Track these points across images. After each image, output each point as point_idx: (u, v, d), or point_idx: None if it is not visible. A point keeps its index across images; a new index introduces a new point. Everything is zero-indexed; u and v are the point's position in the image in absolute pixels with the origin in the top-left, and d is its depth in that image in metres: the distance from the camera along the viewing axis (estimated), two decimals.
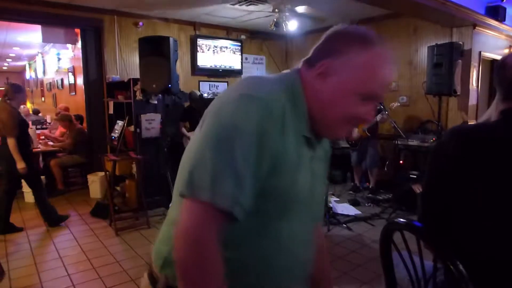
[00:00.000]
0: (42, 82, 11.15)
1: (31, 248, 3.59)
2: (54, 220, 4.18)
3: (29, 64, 12.79)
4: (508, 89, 1.11)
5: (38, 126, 8.04)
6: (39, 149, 5.73)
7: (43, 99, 11.51)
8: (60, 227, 4.18)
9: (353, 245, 3.57)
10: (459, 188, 1.04)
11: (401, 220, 1.08)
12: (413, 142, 5.12)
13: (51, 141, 5.99)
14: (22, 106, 13.34)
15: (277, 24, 4.85)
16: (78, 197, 5.10)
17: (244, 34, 6.92)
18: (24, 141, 3.86)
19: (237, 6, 5.23)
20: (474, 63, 5.14)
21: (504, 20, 5.18)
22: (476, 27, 5.01)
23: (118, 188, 5.07)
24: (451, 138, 1.11)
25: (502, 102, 1.13)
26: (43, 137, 6.17)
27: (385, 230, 1.13)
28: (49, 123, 7.96)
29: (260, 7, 5.25)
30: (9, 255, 3.40)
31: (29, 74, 13.43)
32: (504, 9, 5.09)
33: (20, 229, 4.02)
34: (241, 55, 6.82)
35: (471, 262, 0.95)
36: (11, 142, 3.66)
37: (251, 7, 5.28)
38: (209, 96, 5.96)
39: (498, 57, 5.72)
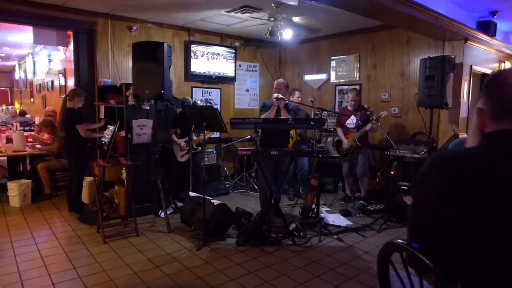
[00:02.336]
0: (31, 83, 10.96)
1: (15, 255, 3.48)
2: (75, 207, 4.72)
3: (19, 64, 12.59)
4: (500, 108, 1.04)
5: (26, 128, 7.90)
6: (25, 152, 5.61)
7: (32, 100, 11.32)
8: (46, 233, 4.08)
9: (345, 257, 3.54)
10: (445, 219, 1.01)
11: (400, 241, 1.06)
12: (404, 153, 5.15)
13: (39, 143, 5.87)
14: (10, 107, 13.16)
15: (271, 32, 4.85)
16: (65, 202, 4.98)
17: (238, 41, 6.92)
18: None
19: (232, 13, 5.23)
20: (465, 76, 5.21)
21: (495, 35, 5.28)
22: (468, 41, 5.09)
23: (107, 194, 4.98)
24: (432, 168, 1.08)
25: (490, 122, 1.06)
26: (30, 139, 6.04)
27: (383, 250, 1.10)
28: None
29: (255, 15, 5.26)
30: None
31: (18, 75, 13.21)
32: (495, 24, 5.18)
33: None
34: (235, 62, 6.81)
35: None
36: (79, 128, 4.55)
37: (246, 15, 5.29)
38: (202, 104, 5.92)
39: (488, 71, 5.82)
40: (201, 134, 4.53)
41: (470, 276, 0.98)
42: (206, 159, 5.40)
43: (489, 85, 1.09)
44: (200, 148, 5.05)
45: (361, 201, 5.20)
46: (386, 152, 5.10)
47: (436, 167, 1.08)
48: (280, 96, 4.31)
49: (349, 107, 5.38)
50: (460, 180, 1.01)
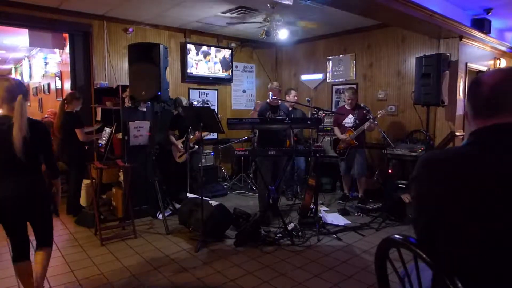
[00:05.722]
0: (28, 86, 10.93)
1: None
2: (75, 209, 4.71)
3: (15, 68, 12.54)
4: (482, 106, 1.09)
5: None
6: None
7: (28, 103, 11.28)
8: None
9: (344, 256, 3.54)
10: (441, 218, 1.02)
11: (397, 236, 1.06)
12: (402, 151, 5.16)
13: None
14: None
15: (267, 33, 4.86)
16: (62, 205, 4.95)
17: (234, 42, 6.92)
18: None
19: (228, 14, 5.23)
20: (461, 74, 5.22)
21: (489, 32, 5.30)
22: (463, 39, 5.11)
23: (104, 196, 4.96)
24: (423, 169, 1.11)
25: (474, 120, 1.11)
26: None
27: (380, 247, 1.10)
28: None
29: (251, 16, 5.26)
30: None
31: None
32: (489, 21, 5.20)
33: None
34: (231, 63, 6.81)
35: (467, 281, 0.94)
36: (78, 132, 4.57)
37: (242, 16, 5.28)
38: (199, 104, 5.91)
39: (484, 68, 5.84)
40: (197, 132, 4.53)
41: (467, 276, 0.98)
42: (203, 160, 5.39)
43: (471, 85, 1.16)
44: (197, 146, 5.04)
45: (359, 203, 5.19)
46: (383, 150, 5.11)
47: (425, 168, 1.11)
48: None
49: (346, 106, 5.38)
50: (445, 179, 1.03)
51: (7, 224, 2.46)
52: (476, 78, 1.15)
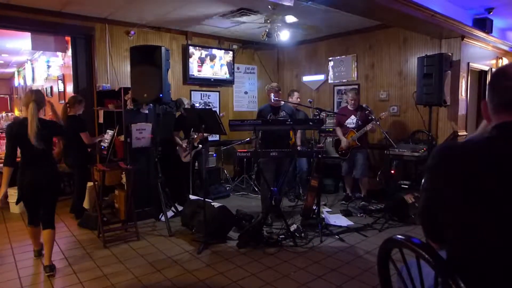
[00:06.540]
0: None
1: (15, 261, 3.47)
2: (79, 212, 4.69)
3: (18, 71, 12.61)
4: (507, 99, 1.03)
5: None
6: None
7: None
8: None
9: (347, 257, 3.53)
10: (453, 207, 1.00)
11: (399, 236, 1.05)
12: (404, 152, 5.15)
13: None
14: (10, 114, 13.17)
15: (269, 34, 4.86)
16: (66, 207, 4.98)
17: (236, 43, 6.93)
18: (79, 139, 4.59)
19: (229, 16, 5.24)
20: (463, 73, 5.21)
21: (491, 32, 5.29)
22: (464, 39, 5.10)
23: (107, 198, 4.98)
24: (439, 161, 1.06)
25: (500, 114, 1.06)
26: None
27: (382, 247, 1.10)
28: None
29: (252, 17, 5.27)
30: None
31: (17, 81, 13.22)
32: (491, 21, 5.19)
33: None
34: (233, 64, 6.82)
35: (468, 277, 0.93)
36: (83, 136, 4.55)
37: (244, 18, 5.30)
38: (201, 106, 5.92)
39: (486, 68, 5.83)
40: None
41: (473, 276, 0.97)
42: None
43: (496, 77, 1.09)
44: (201, 146, 5.06)
45: (363, 202, 5.18)
46: (386, 151, 5.10)
47: (441, 160, 1.06)
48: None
49: (349, 107, 5.38)
50: (463, 174, 0.99)
51: (30, 201, 3.23)
52: (503, 70, 1.10)
